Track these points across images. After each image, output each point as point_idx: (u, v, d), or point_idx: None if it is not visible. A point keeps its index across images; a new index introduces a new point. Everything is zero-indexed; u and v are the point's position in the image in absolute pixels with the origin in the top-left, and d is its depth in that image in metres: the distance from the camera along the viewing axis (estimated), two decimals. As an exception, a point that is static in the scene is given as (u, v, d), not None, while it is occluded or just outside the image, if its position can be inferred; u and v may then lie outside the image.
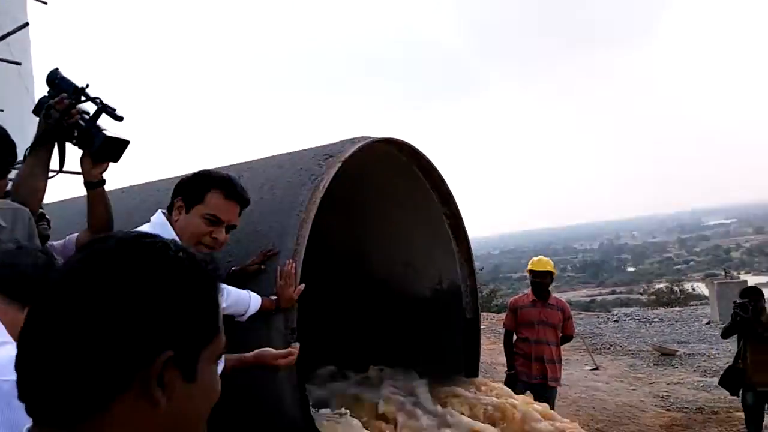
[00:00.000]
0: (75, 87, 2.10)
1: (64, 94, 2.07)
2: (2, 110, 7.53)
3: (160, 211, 2.16)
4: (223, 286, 2.31)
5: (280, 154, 3.26)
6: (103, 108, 2.09)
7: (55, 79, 2.13)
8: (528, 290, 5.12)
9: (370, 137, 3.04)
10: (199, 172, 2.16)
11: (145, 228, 2.05)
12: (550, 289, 5.10)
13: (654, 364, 9.42)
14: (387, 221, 3.98)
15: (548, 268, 5.01)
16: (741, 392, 5.22)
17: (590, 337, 11.52)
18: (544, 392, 4.83)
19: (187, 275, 0.66)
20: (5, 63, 7.41)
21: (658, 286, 30.33)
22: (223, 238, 2.08)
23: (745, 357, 5.15)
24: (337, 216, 3.89)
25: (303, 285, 2.53)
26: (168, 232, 2.04)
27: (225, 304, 2.34)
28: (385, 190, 3.82)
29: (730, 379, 5.30)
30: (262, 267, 2.59)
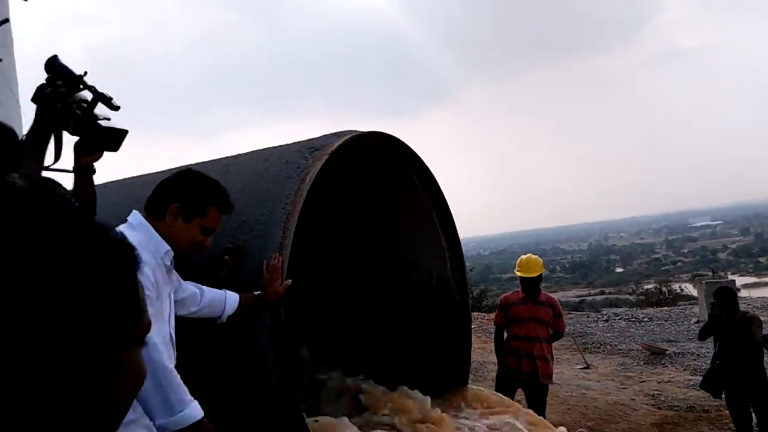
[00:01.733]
0: (73, 75, 2.06)
1: (60, 82, 2.03)
2: (-16, 109, 7.42)
3: (135, 212, 2.11)
4: (199, 287, 2.25)
5: (267, 148, 3.20)
6: (100, 97, 2.07)
7: (53, 65, 2.08)
8: (519, 288, 5.08)
9: (356, 131, 2.99)
10: (199, 182, 2.15)
11: (122, 228, 1.99)
12: (540, 287, 5.07)
13: (644, 363, 9.42)
14: (377, 216, 3.93)
15: (537, 273, 4.94)
16: (724, 393, 5.21)
17: (581, 336, 11.52)
18: (536, 389, 4.81)
19: (98, 254, 0.56)
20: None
21: (646, 286, 30.47)
22: (209, 243, 2.17)
23: (722, 357, 5.14)
24: (326, 211, 3.84)
25: (290, 280, 2.48)
26: (150, 234, 2.03)
27: (198, 307, 2.29)
28: (374, 185, 3.77)
29: (710, 382, 5.28)
30: (226, 258, 2.56)
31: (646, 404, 7.16)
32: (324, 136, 3.05)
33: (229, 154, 3.38)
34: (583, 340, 11.23)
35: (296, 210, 2.50)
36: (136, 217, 2.10)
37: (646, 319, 13.45)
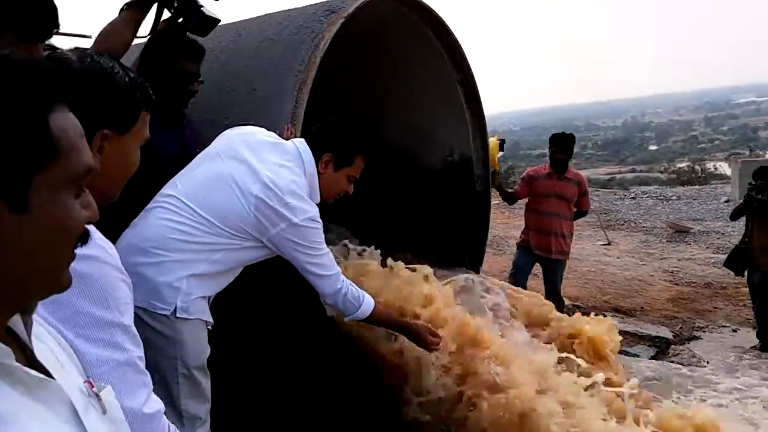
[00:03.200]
0: None
1: None
2: None
3: (307, 149, 2.10)
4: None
5: (281, 11, 3.01)
6: None
7: None
8: (547, 163, 4.98)
9: (376, -9, 2.78)
10: (350, 134, 2.20)
11: (293, 165, 2.04)
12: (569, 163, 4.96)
13: (667, 241, 9.44)
14: (398, 86, 3.76)
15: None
16: (747, 272, 5.21)
17: (605, 213, 11.51)
18: (551, 265, 4.87)
19: None
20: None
21: (680, 165, 29.87)
22: (351, 191, 2.25)
23: (752, 238, 5.09)
24: (344, 79, 3.70)
25: None
26: (314, 184, 2.08)
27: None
28: (395, 53, 3.58)
29: (735, 260, 5.28)
30: None
31: (664, 280, 7.27)
32: (341, -4, 2.84)
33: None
34: (607, 218, 11.23)
35: (309, 78, 2.39)
36: (310, 161, 2.09)
37: (674, 198, 13.31)
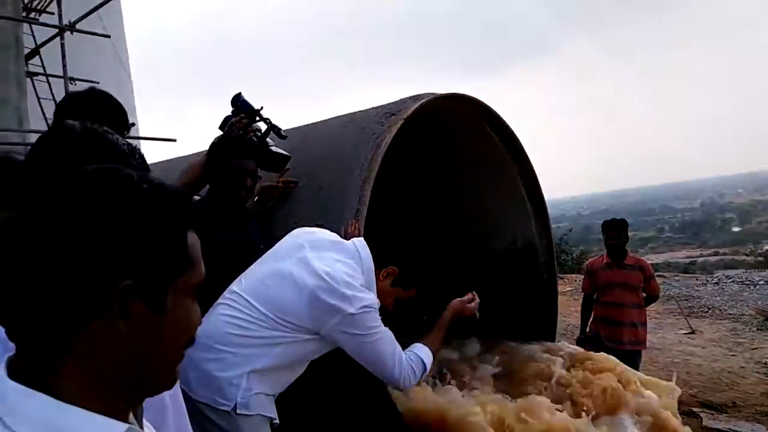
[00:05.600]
0: (252, 108, 2.55)
1: (242, 115, 2.53)
2: (98, 82, 7.98)
3: (365, 246, 2.22)
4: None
5: (344, 114, 3.23)
6: (272, 127, 2.56)
7: (237, 101, 2.57)
8: (604, 252, 4.87)
9: (432, 94, 2.94)
10: (422, 264, 2.35)
11: (346, 258, 2.13)
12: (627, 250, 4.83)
13: (757, 329, 8.78)
14: (462, 181, 3.87)
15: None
16: None
17: (686, 300, 10.90)
18: (626, 357, 4.63)
19: (150, 206, 0.64)
20: (98, 36, 7.77)
21: (766, 247, 28.19)
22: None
23: None
24: (413, 178, 3.84)
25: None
26: (371, 284, 2.15)
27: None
28: (457, 149, 3.71)
29: None
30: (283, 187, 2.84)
31: (757, 372, 6.71)
32: (401, 100, 3.02)
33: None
34: (689, 304, 10.62)
35: (371, 176, 2.52)
36: (368, 257, 2.18)
37: (762, 282, 12.47)
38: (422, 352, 2.24)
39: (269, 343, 1.99)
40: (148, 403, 0.73)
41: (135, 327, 0.63)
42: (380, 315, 2.13)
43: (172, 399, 1.09)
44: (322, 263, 2.03)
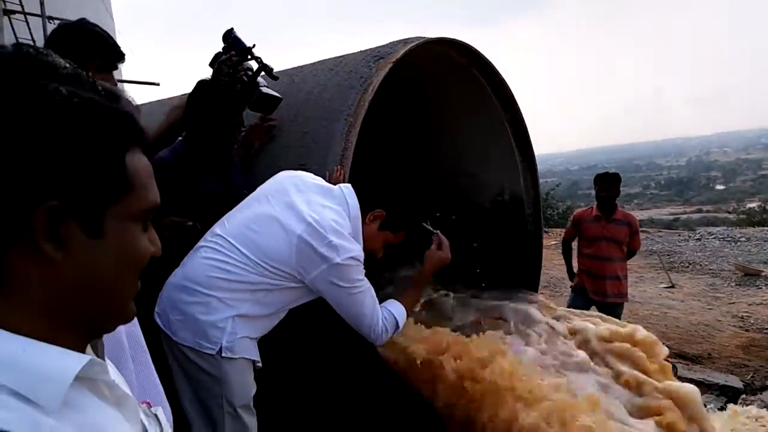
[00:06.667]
0: (244, 46, 2.45)
1: (233, 52, 2.43)
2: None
3: (353, 194, 2.17)
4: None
5: (332, 58, 3.13)
6: (263, 67, 2.46)
7: (228, 37, 2.49)
8: (594, 204, 4.88)
9: (423, 38, 2.85)
10: (412, 206, 2.32)
11: (333, 205, 2.09)
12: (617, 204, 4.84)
13: (736, 285, 8.97)
14: (448, 129, 3.82)
15: None
16: None
17: (668, 255, 11.07)
18: (608, 309, 4.71)
19: (77, 120, 0.58)
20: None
21: (749, 205, 28.57)
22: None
23: None
24: (398, 124, 3.78)
25: None
26: (358, 232, 2.13)
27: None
28: (445, 96, 3.64)
29: None
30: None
31: (733, 326, 6.88)
32: (390, 43, 2.93)
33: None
34: (671, 259, 10.78)
35: (357, 121, 2.46)
36: (355, 205, 2.15)
37: (743, 239, 12.67)
38: (397, 310, 2.25)
39: (255, 288, 1.98)
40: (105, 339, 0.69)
41: (69, 253, 0.58)
42: (371, 261, 2.13)
43: (129, 337, 1.08)
44: (310, 209, 2.01)
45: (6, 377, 0.54)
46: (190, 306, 1.95)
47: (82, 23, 1.95)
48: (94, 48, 1.90)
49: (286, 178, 2.18)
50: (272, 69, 2.47)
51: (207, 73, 2.51)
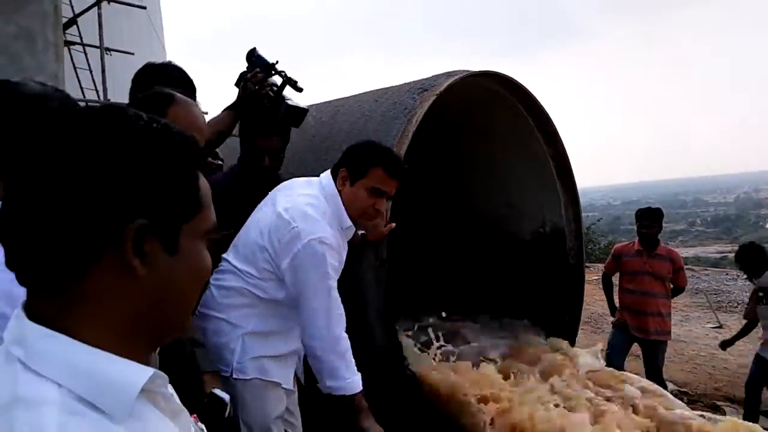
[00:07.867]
0: (267, 63, 2.50)
1: (258, 69, 2.47)
2: (133, 53, 8.07)
3: (329, 176, 2.13)
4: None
5: (377, 89, 3.21)
6: (288, 81, 2.49)
7: (252, 56, 2.54)
8: (636, 239, 4.79)
9: (467, 71, 2.90)
10: (363, 147, 2.17)
11: (316, 192, 2.07)
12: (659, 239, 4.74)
13: (788, 327, 8.59)
14: (489, 160, 3.84)
15: None
16: None
17: (715, 294, 10.69)
18: (650, 346, 4.58)
19: (161, 146, 0.62)
20: (134, 8, 7.84)
21: (801, 245, 27.42)
22: (384, 208, 2.17)
23: None
24: (438, 154, 3.81)
25: (394, 223, 2.51)
26: (338, 206, 2.06)
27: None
28: (487, 128, 3.67)
29: None
30: None
31: (786, 370, 6.57)
32: (435, 76, 2.99)
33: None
34: (718, 299, 10.41)
35: (402, 151, 2.51)
36: (330, 183, 2.11)
37: (795, 280, 12.16)
38: (357, 375, 2.01)
39: (250, 304, 2.00)
40: None
41: (150, 268, 0.61)
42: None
43: None
44: (286, 201, 2.01)
45: (74, 383, 0.57)
46: (208, 333, 2.00)
47: (167, 65, 2.10)
48: (176, 86, 2.00)
49: (281, 185, 2.20)
50: (296, 82, 2.50)
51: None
